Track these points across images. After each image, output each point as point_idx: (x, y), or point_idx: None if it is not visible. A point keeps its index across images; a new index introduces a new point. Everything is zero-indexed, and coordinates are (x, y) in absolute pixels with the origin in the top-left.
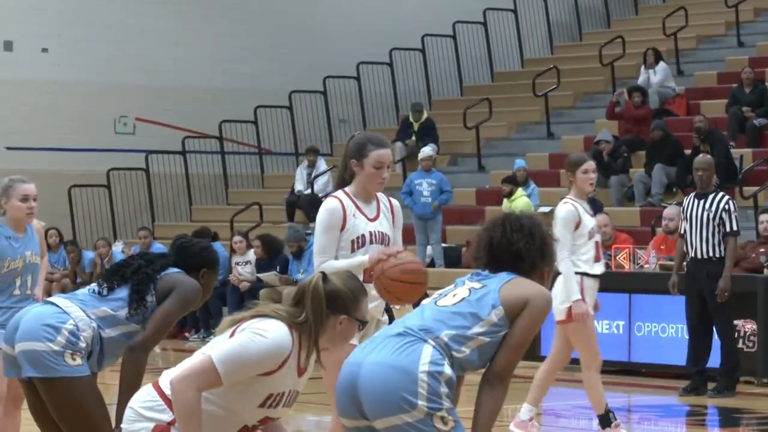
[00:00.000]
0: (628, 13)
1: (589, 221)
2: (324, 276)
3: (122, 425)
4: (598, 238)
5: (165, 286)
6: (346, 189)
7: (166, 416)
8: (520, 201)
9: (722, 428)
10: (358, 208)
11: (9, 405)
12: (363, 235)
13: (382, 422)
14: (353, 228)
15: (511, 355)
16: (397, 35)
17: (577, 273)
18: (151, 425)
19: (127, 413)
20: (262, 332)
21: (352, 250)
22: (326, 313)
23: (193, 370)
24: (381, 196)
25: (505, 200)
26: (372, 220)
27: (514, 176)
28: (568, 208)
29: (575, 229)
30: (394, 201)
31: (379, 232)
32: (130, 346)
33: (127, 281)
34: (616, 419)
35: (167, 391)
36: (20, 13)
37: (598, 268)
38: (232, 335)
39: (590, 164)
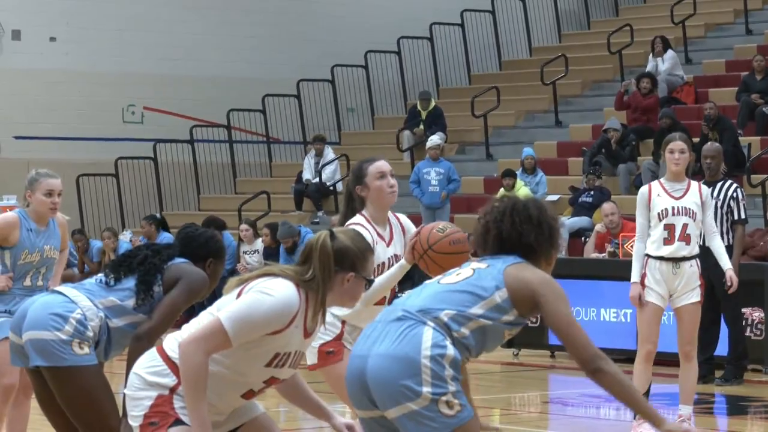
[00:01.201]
0: (636, 1)
1: (662, 203)
2: (332, 233)
3: (126, 391)
4: (676, 220)
5: (172, 276)
6: (364, 213)
7: (170, 380)
8: (521, 192)
9: (730, 416)
10: (378, 234)
11: (19, 395)
12: (384, 263)
13: (391, 412)
14: (376, 256)
15: (577, 333)
16: (404, 24)
17: (645, 254)
18: (155, 394)
19: (132, 379)
20: (269, 291)
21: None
22: (334, 270)
23: (202, 333)
24: (391, 217)
25: (502, 190)
26: (388, 245)
27: (517, 167)
28: (641, 190)
29: (649, 211)
30: (403, 218)
31: (394, 255)
32: (136, 335)
33: (134, 271)
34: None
35: (171, 355)
36: (28, 2)
37: (665, 251)
38: (239, 296)
39: (676, 144)
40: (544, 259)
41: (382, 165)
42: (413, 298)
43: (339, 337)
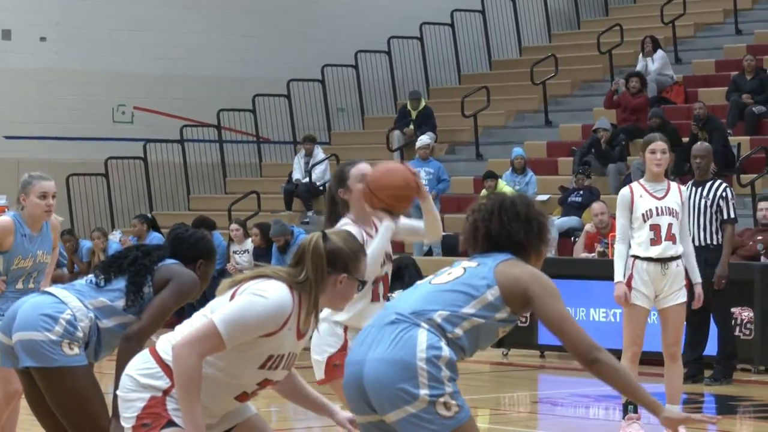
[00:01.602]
0: (626, 1)
1: (645, 204)
2: (324, 235)
3: (118, 392)
4: (661, 220)
5: (162, 278)
6: (350, 217)
7: (163, 383)
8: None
9: (719, 416)
10: (367, 233)
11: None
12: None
13: (390, 416)
14: None
15: (570, 327)
16: (395, 24)
17: (631, 255)
18: (147, 396)
19: (124, 380)
20: (263, 293)
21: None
22: (326, 271)
23: (196, 335)
24: (375, 219)
25: (484, 191)
26: None
27: (507, 167)
28: (622, 192)
29: (632, 213)
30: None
31: (384, 253)
32: (126, 335)
33: (124, 272)
34: (631, 413)
35: (164, 356)
36: (18, 1)
37: (654, 251)
38: (232, 297)
39: (658, 144)
40: (534, 255)
41: (363, 167)
42: (405, 300)
43: (344, 348)
